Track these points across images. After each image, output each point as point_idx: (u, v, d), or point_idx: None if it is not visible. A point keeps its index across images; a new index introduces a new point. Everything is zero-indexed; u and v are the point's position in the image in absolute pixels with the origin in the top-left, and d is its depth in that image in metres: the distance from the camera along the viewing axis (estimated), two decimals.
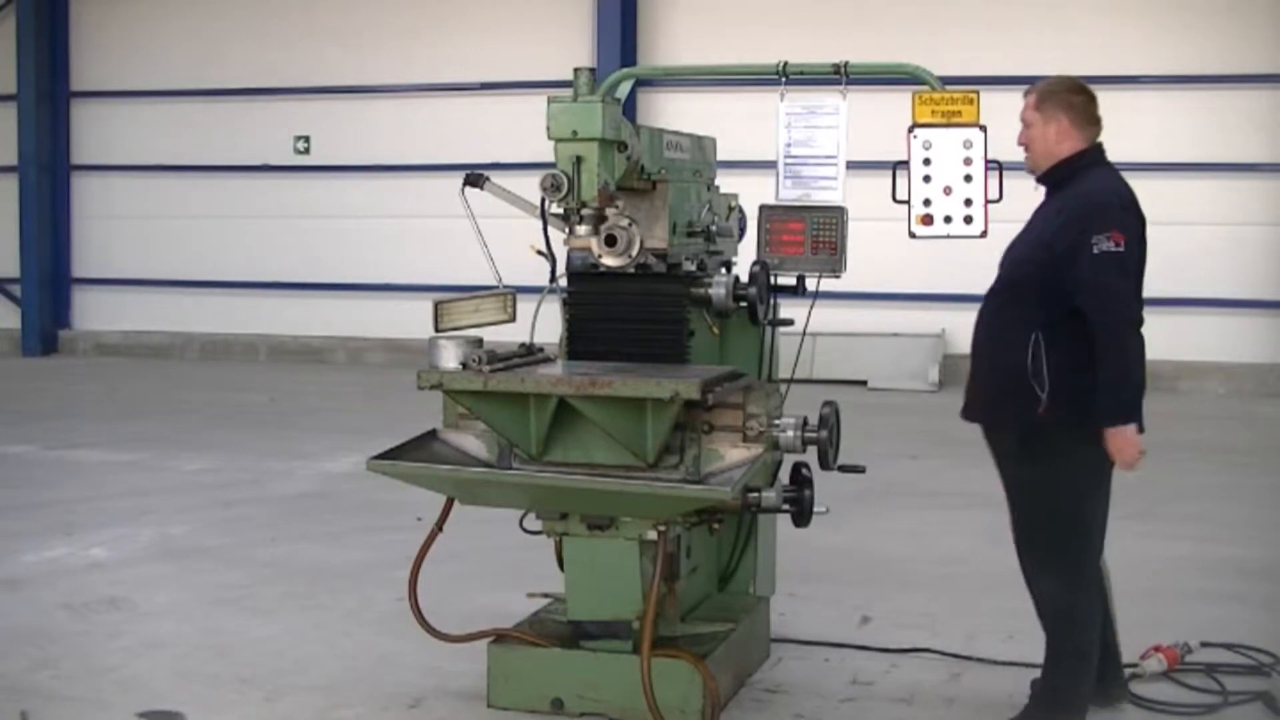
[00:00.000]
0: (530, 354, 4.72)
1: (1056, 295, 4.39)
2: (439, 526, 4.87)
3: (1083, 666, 4.59)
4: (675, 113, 14.67)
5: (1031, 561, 4.63)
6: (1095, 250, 4.30)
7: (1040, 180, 4.66)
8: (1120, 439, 4.32)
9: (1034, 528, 4.60)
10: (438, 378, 4.47)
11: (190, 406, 13.05)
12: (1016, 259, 4.57)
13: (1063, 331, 4.39)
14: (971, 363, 4.71)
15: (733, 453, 4.49)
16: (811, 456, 4.73)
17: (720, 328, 5.10)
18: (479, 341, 4.57)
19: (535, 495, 4.63)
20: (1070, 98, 4.59)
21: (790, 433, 4.56)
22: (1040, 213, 4.63)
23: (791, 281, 5.23)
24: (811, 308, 5.09)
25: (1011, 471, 4.61)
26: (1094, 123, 4.63)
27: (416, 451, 4.66)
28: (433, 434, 4.77)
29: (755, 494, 4.68)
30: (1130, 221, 4.42)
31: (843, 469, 4.86)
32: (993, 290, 4.63)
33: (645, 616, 4.46)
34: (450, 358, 4.50)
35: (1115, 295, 4.33)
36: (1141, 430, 4.41)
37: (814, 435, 4.62)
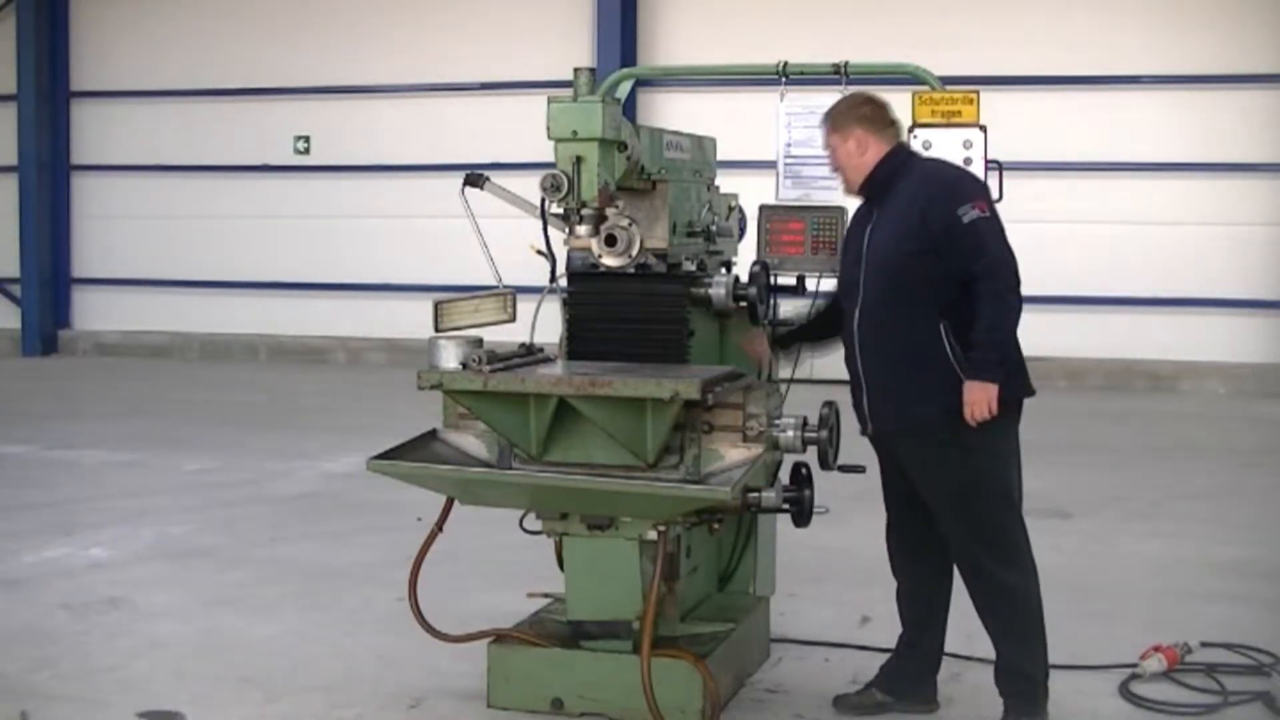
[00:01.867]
0: (530, 354, 4.72)
1: (945, 279, 4.43)
2: (439, 526, 4.87)
3: (1045, 648, 4.64)
4: (675, 113, 14.65)
5: (986, 558, 4.58)
6: (966, 219, 4.39)
7: (861, 193, 4.67)
8: (980, 392, 4.38)
9: (976, 519, 4.56)
10: (438, 378, 4.47)
11: (190, 406, 13.04)
12: (891, 260, 4.51)
13: (962, 309, 4.42)
14: (866, 380, 4.61)
15: (733, 453, 4.50)
16: (811, 456, 4.73)
17: (719, 328, 5.10)
18: (479, 341, 4.58)
19: (535, 495, 4.63)
20: (859, 110, 4.65)
21: (790, 433, 4.56)
22: (880, 219, 4.59)
23: (791, 281, 5.23)
24: (811, 308, 5.08)
25: (945, 468, 4.54)
26: (891, 124, 4.68)
27: (416, 451, 4.66)
28: (433, 434, 4.77)
29: (755, 494, 4.68)
30: (985, 191, 4.56)
31: (843, 469, 4.86)
32: (871, 304, 4.56)
33: (645, 616, 4.45)
34: (450, 358, 4.50)
35: (998, 257, 4.40)
36: (1028, 394, 4.55)
37: (814, 435, 4.62)
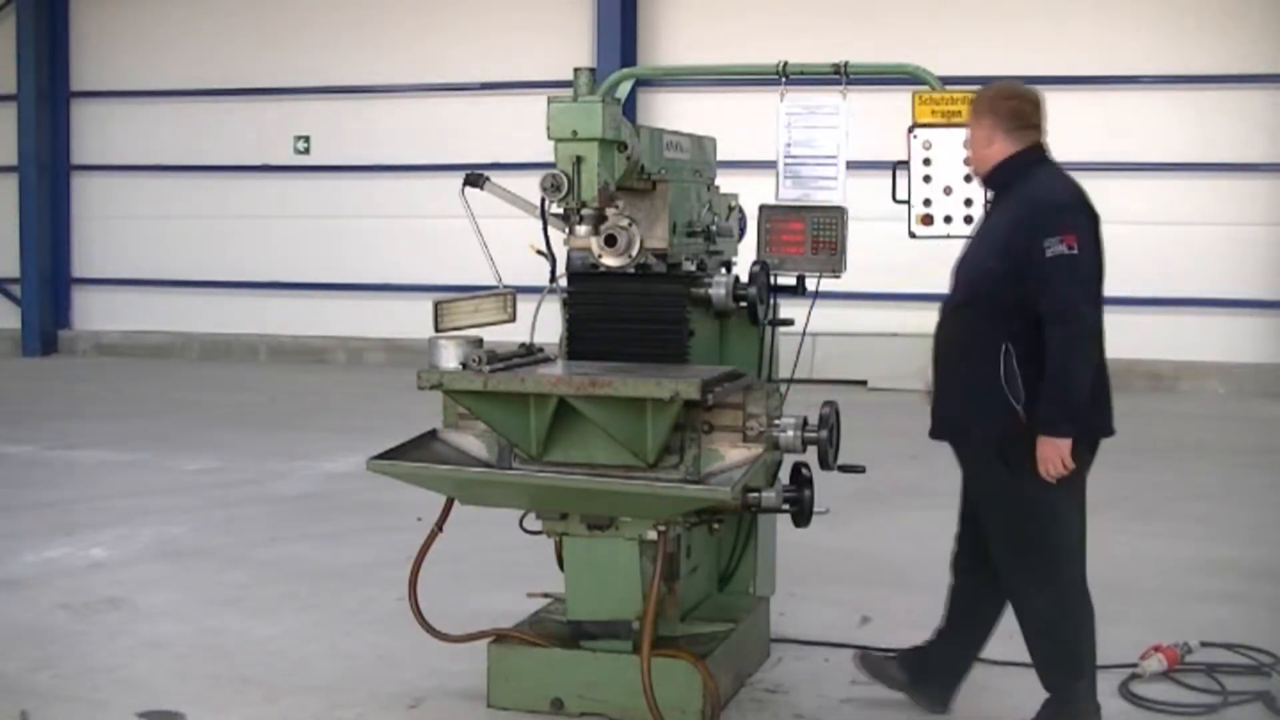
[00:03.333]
0: (530, 354, 4.72)
1: (1020, 303, 4.29)
2: (439, 526, 4.87)
3: (1080, 680, 4.49)
4: (675, 113, 14.66)
5: (1020, 578, 4.50)
6: (1048, 253, 4.22)
7: (984, 184, 4.63)
8: (1050, 448, 4.24)
9: (1016, 539, 4.48)
10: (438, 378, 4.47)
11: (190, 406, 13.05)
12: (974, 270, 4.47)
13: (1032, 339, 4.28)
14: (937, 380, 4.58)
15: (733, 453, 4.50)
16: (811, 456, 4.73)
17: (719, 328, 5.10)
18: (479, 341, 4.57)
19: (535, 495, 4.62)
20: (998, 102, 4.51)
21: (790, 433, 4.56)
22: (989, 220, 4.60)
23: (791, 281, 5.23)
24: (811, 308, 5.09)
25: (990, 485, 4.50)
26: (1028, 126, 4.51)
27: (416, 451, 4.66)
28: (433, 434, 4.77)
29: (755, 494, 4.68)
30: (1082, 221, 4.34)
31: (843, 469, 4.86)
32: (954, 304, 4.51)
33: (645, 616, 4.45)
34: (450, 358, 4.50)
35: (1069, 303, 4.22)
36: (1104, 434, 4.45)
37: (814, 435, 4.62)
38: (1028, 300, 4.27)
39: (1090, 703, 4.51)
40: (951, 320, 4.51)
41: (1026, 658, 5.20)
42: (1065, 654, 4.49)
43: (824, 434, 4.67)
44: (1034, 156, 4.51)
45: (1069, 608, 4.47)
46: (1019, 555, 4.49)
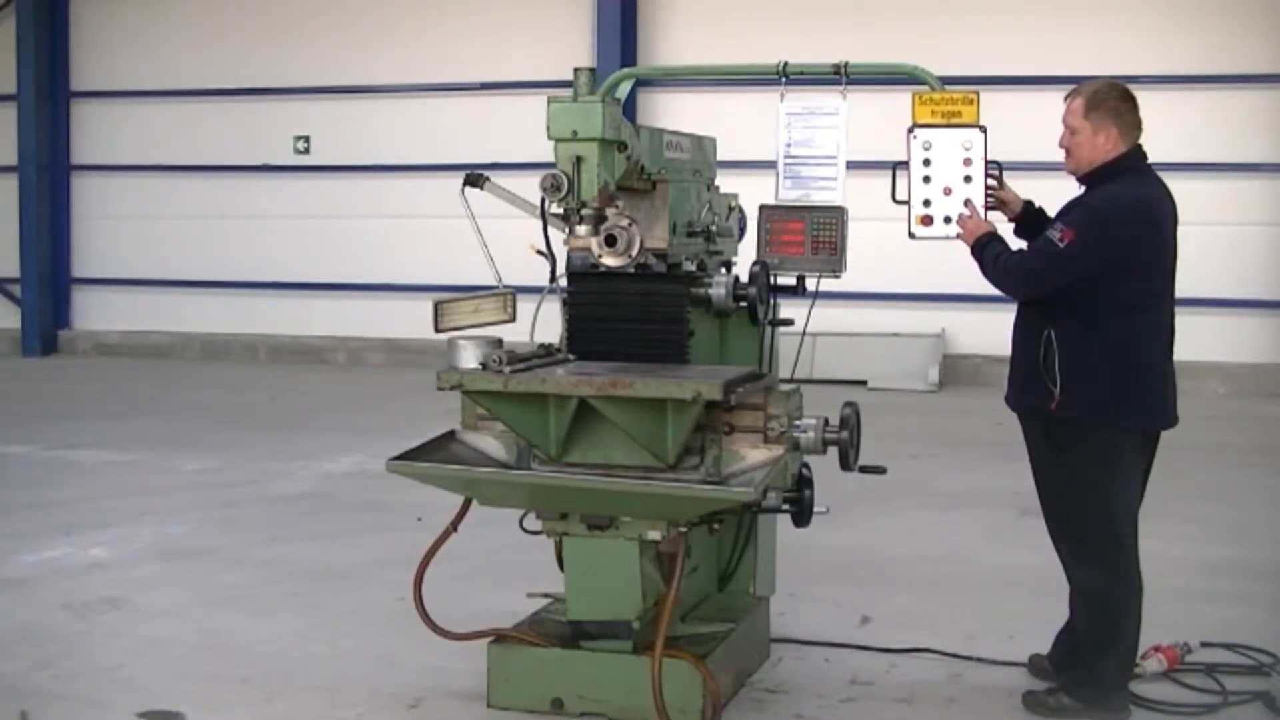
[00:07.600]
0: (550, 354, 4.70)
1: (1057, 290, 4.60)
2: (454, 527, 4.84)
3: (1113, 655, 4.70)
4: (675, 113, 14.66)
5: (1067, 549, 4.78)
6: (1046, 233, 4.63)
7: (1080, 181, 4.82)
8: (971, 223, 4.76)
9: (1060, 515, 4.77)
10: (458, 378, 4.44)
11: (190, 406, 13.04)
12: None
13: (1072, 329, 4.60)
14: (1011, 355, 4.89)
15: (753, 454, 4.49)
16: (830, 458, 4.71)
17: (719, 328, 5.09)
18: (498, 342, 4.55)
19: (554, 496, 4.59)
20: (1119, 105, 4.72)
21: (811, 434, 4.56)
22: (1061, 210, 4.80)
23: (791, 281, 5.23)
24: (811, 308, 5.09)
25: (1037, 459, 4.80)
26: (1138, 127, 4.78)
27: (434, 452, 4.64)
28: (451, 435, 4.76)
29: None
30: (1102, 229, 4.63)
31: (864, 470, 4.83)
32: None
33: (660, 618, 4.43)
34: (470, 358, 4.49)
35: (1031, 266, 4.62)
36: (1158, 426, 5.05)
37: (834, 436, 4.62)
38: (1060, 285, 4.60)
39: (1120, 677, 4.72)
40: (1020, 304, 4.82)
41: (1026, 657, 5.22)
42: (1101, 625, 4.71)
43: (845, 435, 4.65)
44: (1133, 160, 4.80)
45: (1111, 585, 4.69)
46: (1065, 530, 4.77)
